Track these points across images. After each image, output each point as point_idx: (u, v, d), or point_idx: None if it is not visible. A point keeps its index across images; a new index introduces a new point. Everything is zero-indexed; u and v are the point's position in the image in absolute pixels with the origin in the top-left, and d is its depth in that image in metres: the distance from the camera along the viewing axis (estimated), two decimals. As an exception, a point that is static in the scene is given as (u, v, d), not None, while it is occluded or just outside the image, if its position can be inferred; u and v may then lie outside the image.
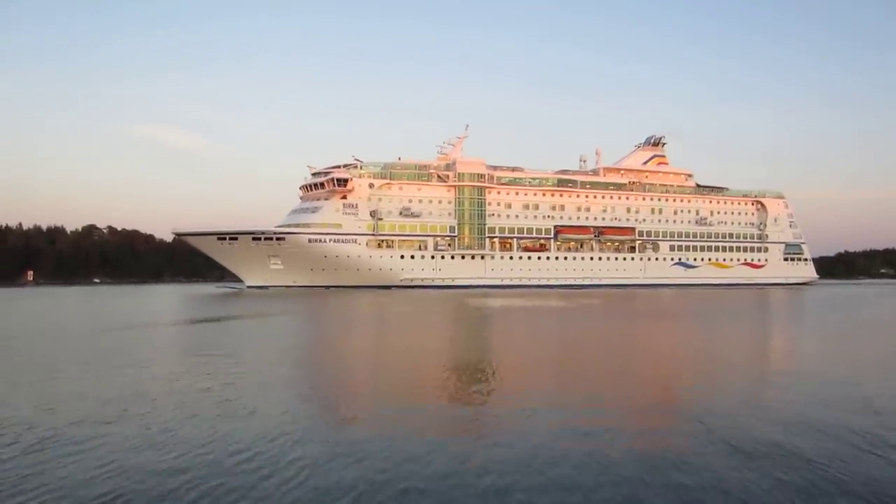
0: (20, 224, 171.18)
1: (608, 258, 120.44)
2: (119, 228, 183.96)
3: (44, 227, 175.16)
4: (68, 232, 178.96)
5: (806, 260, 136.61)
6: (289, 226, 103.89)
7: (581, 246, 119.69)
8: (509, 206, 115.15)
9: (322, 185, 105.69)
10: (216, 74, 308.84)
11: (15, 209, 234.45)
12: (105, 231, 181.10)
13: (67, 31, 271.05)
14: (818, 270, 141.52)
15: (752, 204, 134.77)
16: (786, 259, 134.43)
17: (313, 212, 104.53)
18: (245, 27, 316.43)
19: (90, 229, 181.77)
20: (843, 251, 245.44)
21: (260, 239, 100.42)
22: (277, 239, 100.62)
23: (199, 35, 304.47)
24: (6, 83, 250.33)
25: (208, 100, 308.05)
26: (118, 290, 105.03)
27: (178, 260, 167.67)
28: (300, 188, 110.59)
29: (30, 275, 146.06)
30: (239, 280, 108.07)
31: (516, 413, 12.21)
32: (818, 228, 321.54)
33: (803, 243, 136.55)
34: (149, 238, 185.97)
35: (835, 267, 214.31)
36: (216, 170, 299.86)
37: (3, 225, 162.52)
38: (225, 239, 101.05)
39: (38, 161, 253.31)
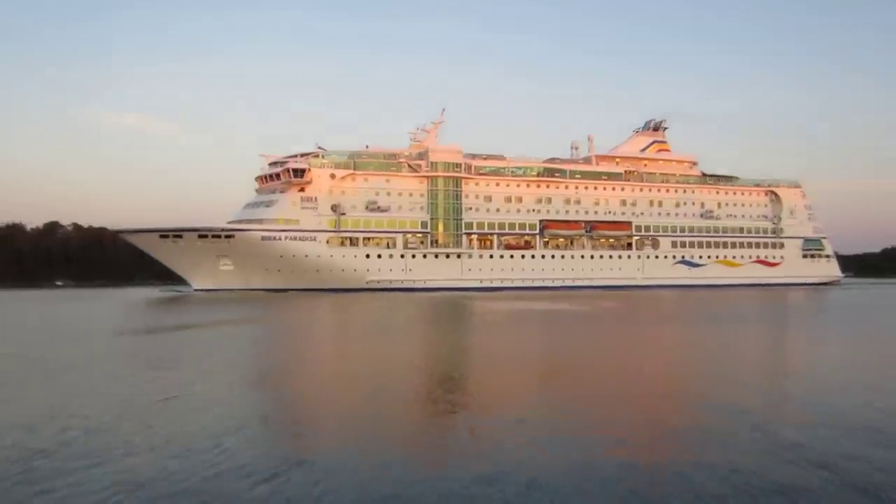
0: None
1: (601, 256, 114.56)
2: (85, 226, 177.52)
3: (1, 223, 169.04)
4: (28, 229, 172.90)
5: (828, 257, 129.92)
6: (240, 222, 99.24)
7: (571, 243, 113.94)
8: (489, 198, 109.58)
9: (278, 176, 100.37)
10: (185, 61, 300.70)
11: None
12: (69, 228, 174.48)
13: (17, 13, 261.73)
14: (846, 268, 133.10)
15: (765, 194, 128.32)
16: (804, 256, 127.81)
17: (267, 206, 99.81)
18: (214, 15, 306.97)
19: (52, 226, 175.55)
20: (885, 248, 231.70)
21: (207, 236, 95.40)
22: (226, 236, 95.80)
23: (168, 23, 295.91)
24: None
25: (180, 87, 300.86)
26: (78, 294, 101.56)
27: (151, 260, 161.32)
28: (255, 180, 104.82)
29: None
30: (186, 283, 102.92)
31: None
32: (844, 222, 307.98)
33: (824, 238, 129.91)
34: (118, 236, 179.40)
35: (867, 264, 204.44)
36: (194, 161, 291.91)
37: None
38: (168, 236, 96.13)
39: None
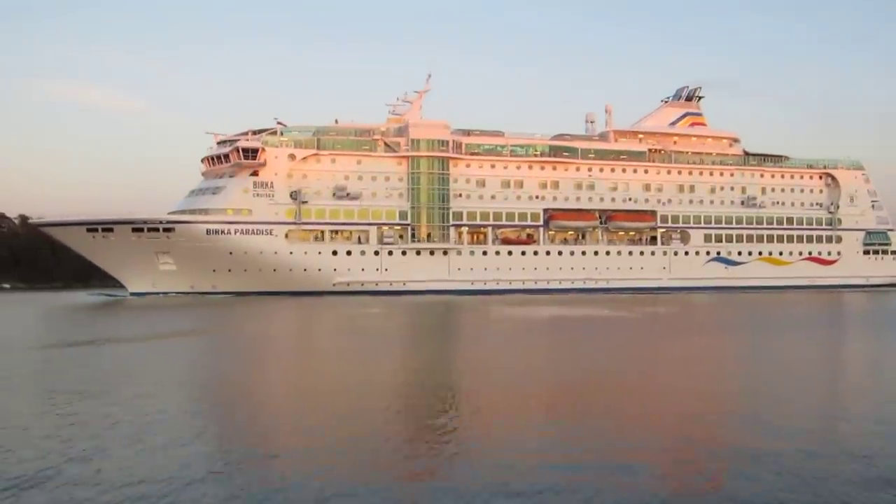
0: None
1: (619, 253, 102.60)
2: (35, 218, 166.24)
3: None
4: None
5: (895, 253, 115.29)
6: (183, 212, 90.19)
7: (582, 237, 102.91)
8: (482, 183, 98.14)
9: (226, 157, 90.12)
10: (143, 27, 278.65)
11: None
12: (16, 222, 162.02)
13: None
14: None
15: (820, 178, 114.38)
16: (866, 252, 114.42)
17: (214, 193, 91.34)
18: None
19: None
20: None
21: (143, 230, 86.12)
22: (165, 230, 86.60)
23: None
24: None
25: (140, 55, 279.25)
26: (22, 299, 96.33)
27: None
28: (202, 162, 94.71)
29: None
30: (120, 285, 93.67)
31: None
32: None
33: (891, 230, 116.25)
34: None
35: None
36: (160, 140, 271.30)
37: None
38: (97, 230, 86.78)
39: None
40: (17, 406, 17.66)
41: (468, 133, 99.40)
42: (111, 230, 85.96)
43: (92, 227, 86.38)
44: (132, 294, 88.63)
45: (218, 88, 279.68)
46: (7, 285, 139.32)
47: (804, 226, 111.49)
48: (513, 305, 68.16)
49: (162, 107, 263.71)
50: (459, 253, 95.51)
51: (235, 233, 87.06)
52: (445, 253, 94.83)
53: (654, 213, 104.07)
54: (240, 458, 12.77)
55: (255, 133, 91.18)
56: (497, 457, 12.49)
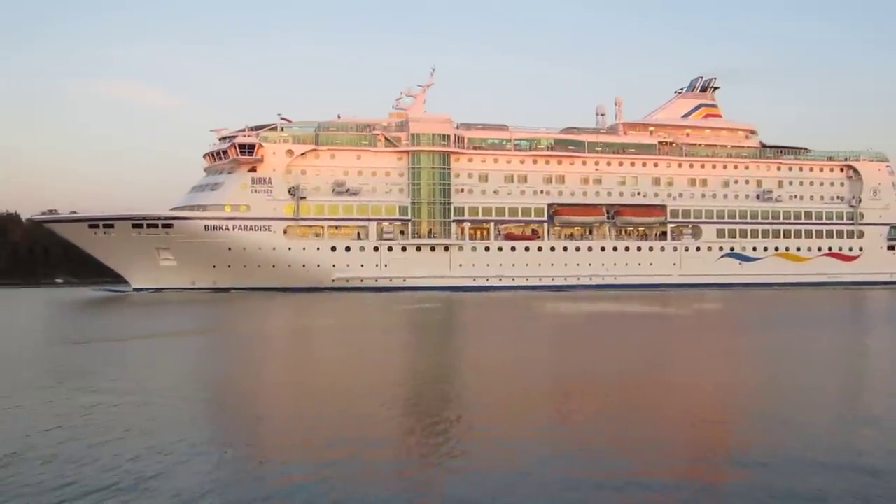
0: None
1: (627, 249, 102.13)
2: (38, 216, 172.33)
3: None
4: (24, 220, 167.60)
5: None
6: (183, 208, 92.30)
7: (589, 232, 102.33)
8: (485, 177, 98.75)
9: (225, 153, 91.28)
10: (189, 28, 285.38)
11: None
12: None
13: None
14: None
15: (841, 170, 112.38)
16: (891, 247, 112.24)
17: (213, 189, 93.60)
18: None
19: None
20: None
21: (142, 226, 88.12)
22: (164, 226, 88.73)
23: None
24: None
25: (188, 55, 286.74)
26: (69, 294, 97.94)
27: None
28: (203, 157, 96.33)
29: None
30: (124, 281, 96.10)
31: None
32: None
33: None
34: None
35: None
36: (190, 136, 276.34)
37: None
38: (98, 226, 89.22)
39: None
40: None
41: (470, 127, 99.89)
42: (112, 226, 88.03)
43: (94, 223, 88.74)
44: (135, 289, 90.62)
45: (240, 84, 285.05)
46: (60, 280, 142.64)
47: (824, 220, 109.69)
48: (551, 301, 68.10)
49: (197, 103, 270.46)
50: (461, 248, 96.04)
51: (234, 229, 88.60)
52: (446, 248, 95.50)
53: (664, 207, 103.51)
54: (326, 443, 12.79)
55: (253, 129, 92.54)
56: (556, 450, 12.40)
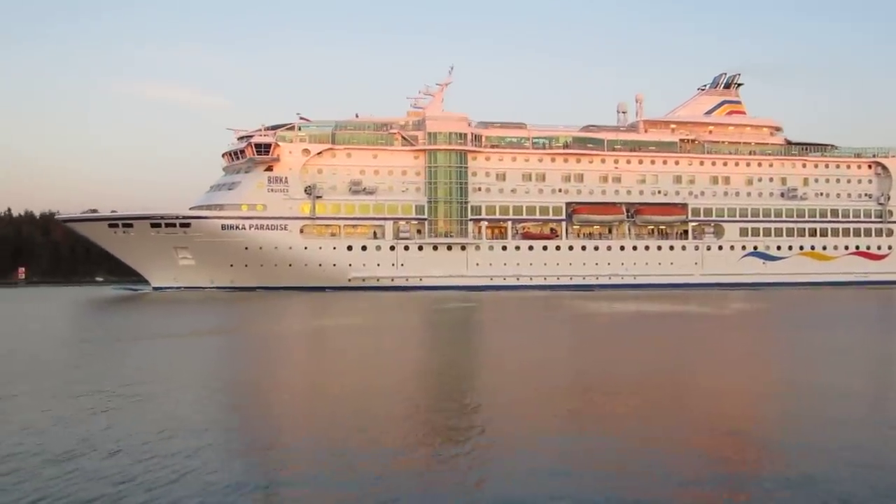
0: (9, 210, 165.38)
1: (647, 248, 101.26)
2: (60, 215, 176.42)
3: (37, 213, 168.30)
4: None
5: None
6: (200, 207, 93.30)
7: (609, 231, 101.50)
8: (503, 176, 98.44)
9: (242, 152, 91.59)
10: (223, 30, 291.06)
11: (3, 192, 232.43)
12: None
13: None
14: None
15: (869, 167, 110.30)
16: None
17: (230, 189, 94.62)
18: None
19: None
20: None
21: (161, 225, 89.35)
22: (181, 225, 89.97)
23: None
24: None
25: (226, 55, 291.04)
26: (94, 292, 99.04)
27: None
28: (222, 157, 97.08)
29: (21, 272, 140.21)
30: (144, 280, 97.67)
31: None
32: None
33: None
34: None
35: None
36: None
37: None
38: (118, 226, 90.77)
39: (30, 134, 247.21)
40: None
41: (488, 125, 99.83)
42: (131, 226, 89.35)
43: (113, 222, 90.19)
44: (155, 288, 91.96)
45: (264, 83, 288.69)
46: (100, 278, 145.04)
47: (851, 218, 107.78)
48: (589, 300, 67.92)
49: (232, 103, 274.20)
50: (478, 248, 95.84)
51: (250, 228, 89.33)
52: (463, 248, 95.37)
53: (685, 205, 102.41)
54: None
55: (270, 128, 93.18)
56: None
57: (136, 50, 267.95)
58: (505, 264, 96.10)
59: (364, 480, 10.61)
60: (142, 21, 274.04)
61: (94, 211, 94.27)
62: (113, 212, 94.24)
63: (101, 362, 25.64)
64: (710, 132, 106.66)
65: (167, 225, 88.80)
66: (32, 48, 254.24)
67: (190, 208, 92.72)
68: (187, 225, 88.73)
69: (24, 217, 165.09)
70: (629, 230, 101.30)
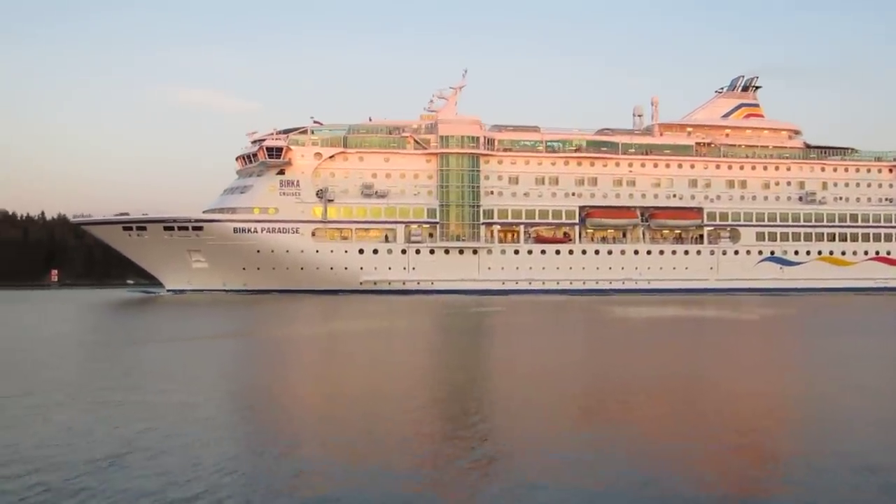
0: (42, 213, 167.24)
1: (661, 252, 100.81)
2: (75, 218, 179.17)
3: (70, 217, 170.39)
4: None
5: None
6: (213, 211, 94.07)
7: (623, 235, 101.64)
8: (515, 180, 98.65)
9: (255, 156, 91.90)
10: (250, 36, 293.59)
11: (37, 196, 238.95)
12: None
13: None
14: None
15: (890, 171, 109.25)
16: None
17: (242, 192, 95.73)
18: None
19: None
20: None
21: (174, 228, 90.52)
22: (194, 228, 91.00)
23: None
24: (17, 57, 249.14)
25: (255, 62, 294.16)
26: (112, 295, 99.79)
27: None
28: (236, 160, 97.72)
29: (54, 275, 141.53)
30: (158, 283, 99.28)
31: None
32: None
33: None
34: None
35: None
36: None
37: (24, 215, 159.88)
38: (131, 229, 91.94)
39: (62, 140, 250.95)
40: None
41: (501, 129, 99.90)
42: (144, 229, 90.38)
43: (126, 225, 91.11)
44: (169, 291, 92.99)
45: (283, 86, 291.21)
46: (131, 281, 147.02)
47: (871, 223, 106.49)
48: (618, 305, 67.87)
49: (275, 106, 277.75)
50: (490, 252, 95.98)
51: (262, 231, 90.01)
52: (475, 252, 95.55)
53: (700, 210, 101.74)
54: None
55: (282, 132, 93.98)
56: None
57: (165, 54, 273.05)
58: (517, 269, 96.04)
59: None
60: (167, 26, 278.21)
61: (125, 214, 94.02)
62: (121, 214, 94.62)
63: (122, 365, 26.09)
64: (727, 135, 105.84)
65: (180, 228, 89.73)
66: (68, 54, 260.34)
67: (203, 211, 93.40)
68: (200, 228, 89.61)
69: (56, 220, 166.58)
70: (643, 234, 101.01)
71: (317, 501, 10.13)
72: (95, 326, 47.29)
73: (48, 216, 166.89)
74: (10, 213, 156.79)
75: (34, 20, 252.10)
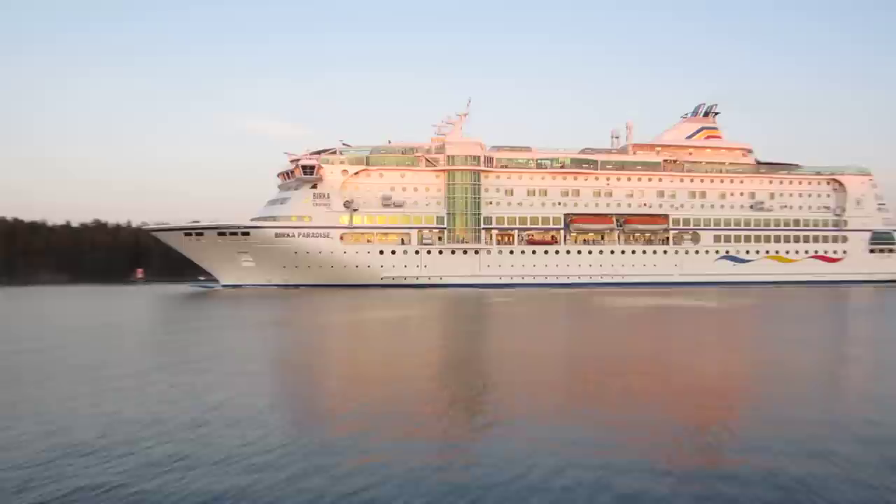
0: (129, 222, 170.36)
1: (634, 252, 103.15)
2: (146, 226, 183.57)
3: (152, 224, 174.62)
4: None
5: None
6: (258, 219, 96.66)
7: (602, 238, 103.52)
8: (510, 192, 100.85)
9: (293, 173, 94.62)
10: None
11: (125, 206, 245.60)
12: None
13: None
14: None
15: (828, 183, 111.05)
16: (872, 251, 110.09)
17: (282, 203, 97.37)
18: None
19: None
20: None
21: (226, 234, 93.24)
22: (243, 234, 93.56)
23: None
24: (119, 86, 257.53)
25: (309, 87, 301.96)
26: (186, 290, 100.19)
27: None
28: (277, 177, 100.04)
29: (139, 272, 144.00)
30: (214, 279, 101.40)
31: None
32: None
33: None
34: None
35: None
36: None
37: (115, 223, 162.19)
38: (191, 234, 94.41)
39: (150, 159, 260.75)
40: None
41: (499, 149, 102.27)
42: (202, 234, 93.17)
43: (188, 231, 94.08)
44: (223, 285, 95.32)
45: (322, 113, 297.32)
46: (202, 278, 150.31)
47: (811, 227, 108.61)
48: (598, 296, 67.72)
49: (313, 131, 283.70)
50: (489, 252, 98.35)
51: (298, 236, 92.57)
52: (477, 252, 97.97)
53: (666, 216, 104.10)
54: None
55: (314, 153, 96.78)
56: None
57: (231, 87, 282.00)
58: (512, 266, 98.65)
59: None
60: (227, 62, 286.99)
61: (197, 222, 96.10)
62: (194, 222, 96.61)
63: (196, 344, 27.51)
64: (690, 154, 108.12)
65: (231, 234, 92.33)
66: (159, 86, 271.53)
67: (251, 219, 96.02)
68: (247, 233, 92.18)
69: (141, 227, 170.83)
70: (619, 237, 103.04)
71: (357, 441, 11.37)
72: (168, 316, 47.77)
73: (133, 224, 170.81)
74: (102, 221, 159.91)
75: (138, 57, 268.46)
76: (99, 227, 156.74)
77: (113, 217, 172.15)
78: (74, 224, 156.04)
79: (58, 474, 10.00)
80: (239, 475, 10.00)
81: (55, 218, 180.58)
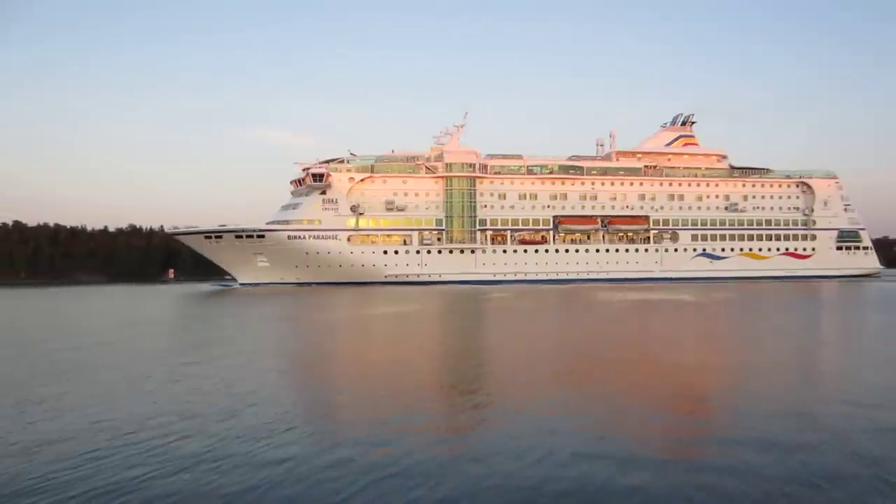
0: (162, 226, 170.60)
1: (617, 250, 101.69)
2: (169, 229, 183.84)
3: (182, 227, 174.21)
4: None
5: (866, 248, 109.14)
6: (273, 223, 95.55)
7: (588, 237, 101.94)
8: (503, 196, 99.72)
9: (304, 180, 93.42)
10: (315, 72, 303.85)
11: (157, 212, 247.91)
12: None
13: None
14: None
15: (797, 186, 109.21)
16: (839, 248, 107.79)
17: (294, 208, 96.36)
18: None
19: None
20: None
21: (242, 237, 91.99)
22: (258, 236, 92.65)
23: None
24: (149, 97, 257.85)
25: (320, 100, 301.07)
26: (208, 288, 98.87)
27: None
28: (290, 184, 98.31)
29: (171, 273, 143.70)
30: (233, 278, 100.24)
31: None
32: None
33: (862, 229, 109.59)
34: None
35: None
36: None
37: (149, 227, 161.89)
38: (211, 237, 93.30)
39: (180, 167, 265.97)
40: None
41: (493, 157, 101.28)
42: (220, 237, 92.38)
43: (208, 234, 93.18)
44: (241, 284, 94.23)
45: (333, 124, 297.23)
46: (228, 276, 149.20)
47: (781, 227, 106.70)
48: (585, 291, 66.95)
49: (321, 141, 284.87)
50: (484, 251, 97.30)
51: (309, 238, 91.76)
52: (473, 251, 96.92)
53: (647, 217, 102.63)
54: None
55: (324, 162, 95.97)
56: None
57: (241, 102, 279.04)
58: (505, 264, 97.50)
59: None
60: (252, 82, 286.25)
61: (223, 226, 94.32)
62: (221, 226, 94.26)
63: (221, 338, 26.30)
64: (669, 160, 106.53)
65: (247, 236, 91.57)
66: (184, 101, 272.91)
67: (266, 223, 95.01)
68: (262, 236, 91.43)
69: (167, 232, 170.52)
70: (603, 237, 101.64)
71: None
72: (192, 313, 45.92)
73: (165, 228, 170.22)
74: (137, 226, 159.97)
75: (172, 76, 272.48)
76: (134, 232, 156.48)
77: (146, 222, 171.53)
78: (112, 229, 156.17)
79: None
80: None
81: (94, 223, 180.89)
